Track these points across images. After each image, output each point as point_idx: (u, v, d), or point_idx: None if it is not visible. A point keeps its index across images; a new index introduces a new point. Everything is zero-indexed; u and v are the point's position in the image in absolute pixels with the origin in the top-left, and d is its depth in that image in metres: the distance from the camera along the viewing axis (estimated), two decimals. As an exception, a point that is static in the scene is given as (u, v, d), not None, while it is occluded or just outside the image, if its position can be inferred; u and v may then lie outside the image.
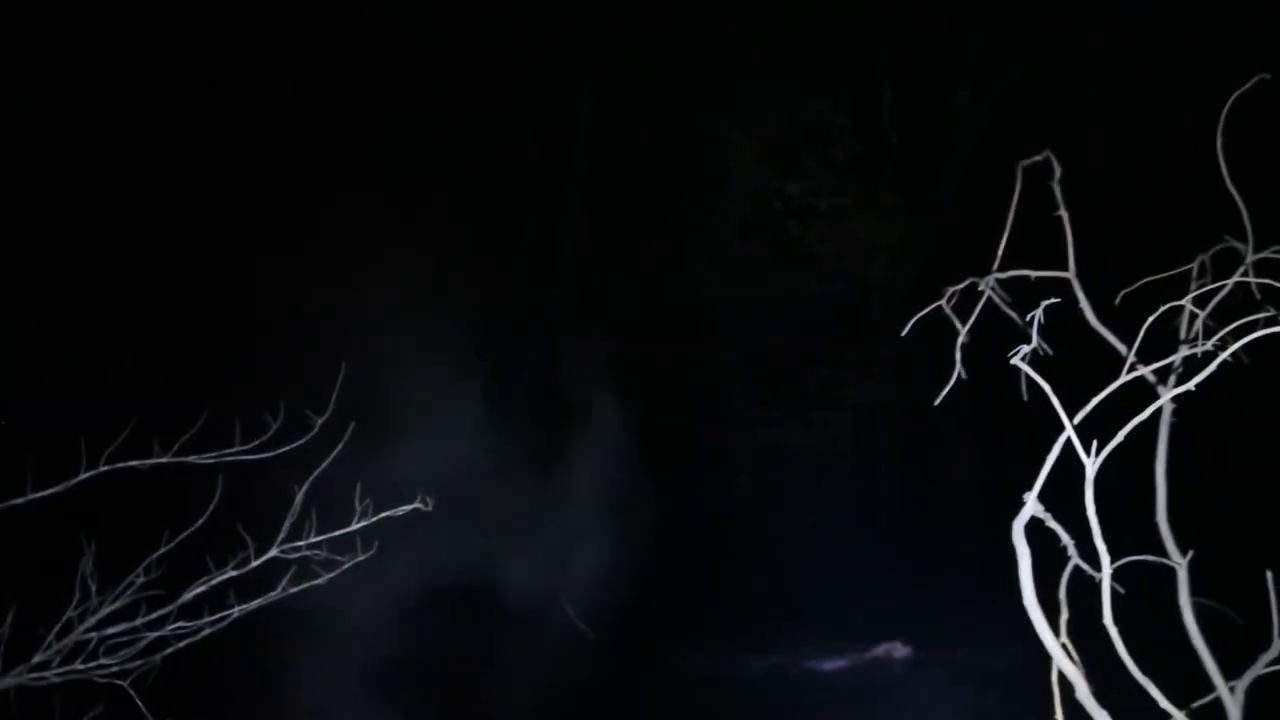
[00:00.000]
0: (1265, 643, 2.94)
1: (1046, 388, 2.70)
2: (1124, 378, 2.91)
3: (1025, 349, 2.84)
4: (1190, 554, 3.12)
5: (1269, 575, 2.87)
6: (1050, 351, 2.99)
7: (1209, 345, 2.81)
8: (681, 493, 10.66)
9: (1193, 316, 3.17)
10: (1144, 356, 3.05)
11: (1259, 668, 2.98)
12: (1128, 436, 2.77)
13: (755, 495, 11.11)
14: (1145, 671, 2.90)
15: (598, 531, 9.27)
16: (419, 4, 16.87)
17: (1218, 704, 3.04)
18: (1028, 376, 2.89)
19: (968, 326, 3.34)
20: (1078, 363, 3.03)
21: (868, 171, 19.28)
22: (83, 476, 3.37)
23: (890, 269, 18.67)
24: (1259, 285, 3.01)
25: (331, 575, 3.21)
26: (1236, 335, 2.78)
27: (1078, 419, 2.71)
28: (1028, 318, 2.94)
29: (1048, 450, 2.81)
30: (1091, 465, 2.67)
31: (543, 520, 9.38)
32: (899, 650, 7.52)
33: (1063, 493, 2.85)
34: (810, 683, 7.21)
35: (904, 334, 3.46)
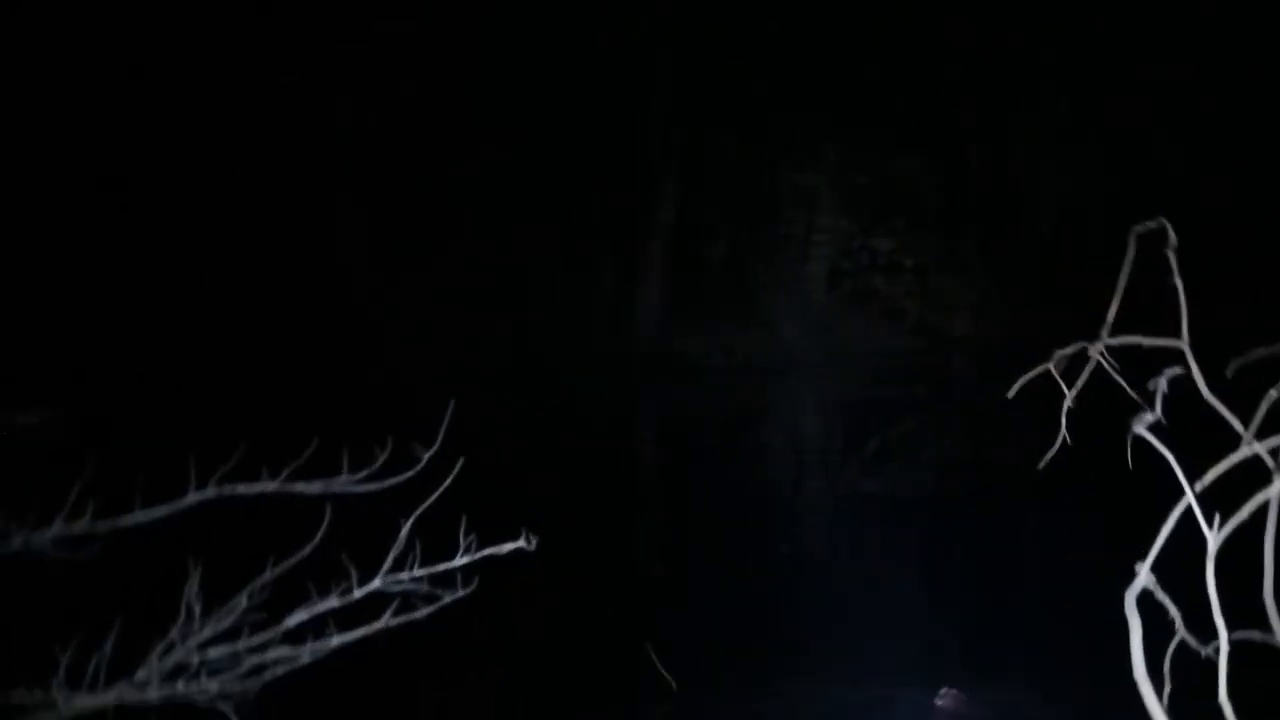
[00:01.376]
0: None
1: (1172, 459, 2.67)
2: (1240, 453, 2.86)
3: (1148, 418, 2.81)
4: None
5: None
6: (1165, 421, 2.95)
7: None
8: (756, 543, 10.66)
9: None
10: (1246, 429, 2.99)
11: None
12: (1212, 500, 2.72)
13: (831, 547, 11.05)
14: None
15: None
16: (513, 62, 17.20)
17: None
18: (1135, 444, 2.85)
19: (1074, 391, 3.31)
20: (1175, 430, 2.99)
21: (952, 230, 19.24)
22: (191, 500, 3.43)
23: (972, 326, 18.54)
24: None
25: (431, 610, 3.22)
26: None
27: (1198, 488, 2.67)
28: (1149, 385, 2.91)
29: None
30: (1214, 539, 2.63)
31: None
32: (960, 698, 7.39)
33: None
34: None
35: (1010, 395, 3.43)
